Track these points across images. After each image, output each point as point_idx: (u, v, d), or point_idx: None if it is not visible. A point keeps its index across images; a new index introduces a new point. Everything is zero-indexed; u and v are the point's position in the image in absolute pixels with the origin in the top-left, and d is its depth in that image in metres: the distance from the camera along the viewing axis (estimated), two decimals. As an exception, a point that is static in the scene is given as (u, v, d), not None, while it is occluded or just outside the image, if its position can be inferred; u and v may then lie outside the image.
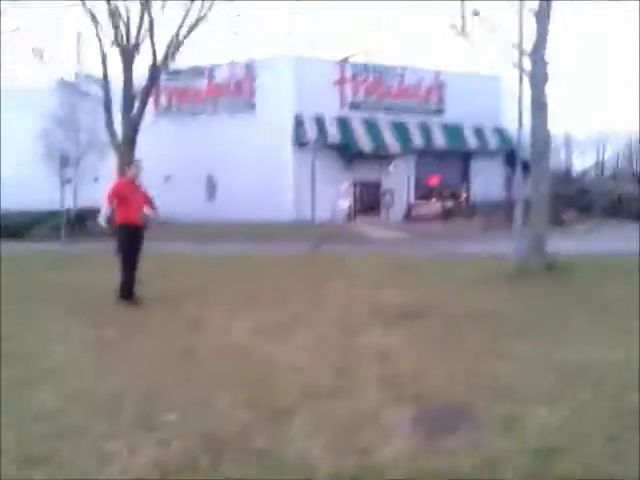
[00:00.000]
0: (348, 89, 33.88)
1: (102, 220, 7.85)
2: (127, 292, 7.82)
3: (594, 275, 10.14)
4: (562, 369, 4.49)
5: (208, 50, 19.78)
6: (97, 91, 21.27)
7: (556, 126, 60.14)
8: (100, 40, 19.84)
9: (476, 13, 11.69)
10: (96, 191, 29.50)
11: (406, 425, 3.51)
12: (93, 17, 19.30)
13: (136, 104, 19.80)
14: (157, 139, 30.46)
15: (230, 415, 3.68)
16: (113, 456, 3.12)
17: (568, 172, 64.18)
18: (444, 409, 3.77)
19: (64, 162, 23.37)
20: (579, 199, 41.05)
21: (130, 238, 7.88)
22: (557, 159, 62.35)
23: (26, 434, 3.40)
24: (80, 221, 26.43)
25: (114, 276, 7.94)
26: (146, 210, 8.23)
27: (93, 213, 28.44)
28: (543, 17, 11.40)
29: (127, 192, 7.92)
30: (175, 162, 32.03)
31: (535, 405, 3.74)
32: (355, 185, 32.87)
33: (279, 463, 3.04)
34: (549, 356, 4.90)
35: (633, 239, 19.22)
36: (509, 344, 5.31)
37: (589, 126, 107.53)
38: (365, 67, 34.30)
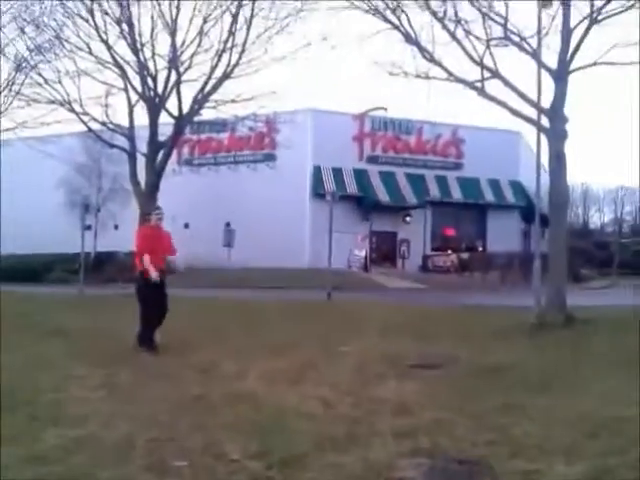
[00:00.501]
0: (367, 143, 34.44)
1: (155, 275, 7.78)
2: (147, 339, 7.77)
3: (613, 330, 9.94)
4: (578, 424, 4.37)
5: (232, 104, 20.11)
6: (122, 141, 21.77)
7: (574, 180, 60.39)
8: (128, 93, 20.44)
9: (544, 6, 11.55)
10: (115, 238, 30.16)
11: (420, 478, 3.42)
12: (123, 71, 19.94)
13: (160, 155, 20.20)
14: (179, 188, 31.05)
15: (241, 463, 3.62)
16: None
17: (586, 226, 63.99)
18: (459, 463, 3.68)
19: (85, 209, 23.86)
20: (597, 254, 40.75)
21: (151, 287, 7.85)
22: (575, 213, 62.41)
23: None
24: (99, 265, 26.78)
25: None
26: (169, 257, 8.35)
27: (110, 257, 28.94)
28: (561, 76, 11.59)
29: (153, 239, 8.01)
30: (195, 211, 32.52)
31: (552, 460, 3.64)
32: (372, 235, 32.99)
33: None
34: (566, 411, 4.78)
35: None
36: (526, 399, 5.19)
37: (607, 181, 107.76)
38: (383, 121, 34.87)
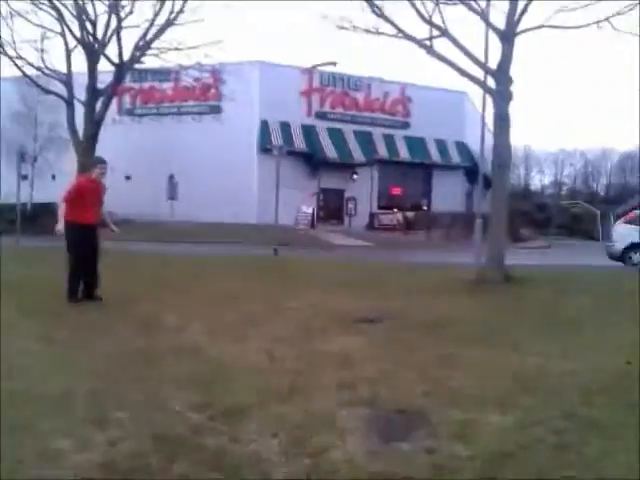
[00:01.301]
0: (315, 98, 34.04)
1: (58, 229, 7.63)
2: (74, 290, 7.69)
3: (549, 287, 10.39)
4: (512, 377, 4.56)
5: (175, 53, 19.44)
6: (59, 88, 20.80)
7: (517, 142, 61.75)
8: (65, 37, 19.44)
9: None
10: (54, 188, 29.07)
11: (361, 428, 3.51)
12: (60, 14, 18.89)
13: (99, 103, 19.43)
14: (119, 139, 30.05)
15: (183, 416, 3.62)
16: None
17: (527, 188, 65.91)
18: (397, 413, 3.78)
19: (21, 158, 22.82)
20: (537, 215, 42.14)
21: (81, 238, 7.68)
22: (517, 175, 64.03)
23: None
24: (36, 217, 25.81)
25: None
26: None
27: (47, 208, 27.95)
28: (508, 37, 11.66)
29: (86, 192, 7.78)
30: (137, 162, 31.63)
31: (486, 411, 3.79)
32: (319, 192, 32.99)
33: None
34: (501, 364, 4.97)
35: (586, 256, 19.82)
36: (464, 352, 5.37)
37: (548, 144, 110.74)
38: (332, 76, 34.47)
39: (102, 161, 8.22)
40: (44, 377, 4.34)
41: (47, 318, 6.59)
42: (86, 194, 7.74)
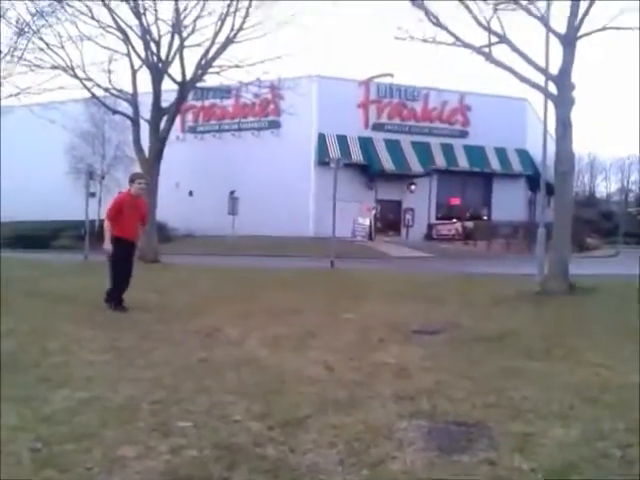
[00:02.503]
0: (372, 110, 34.10)
1: (108, 247, 7.96)
2: (115, 299, 8.06)
3: (615, 299, 10.00)
4: (576, 390, 4.42)
5: (235, 70, 19.91)
6: (125, 108, 21.64)
7: (581, 149, 59.90)
8: (130, 58, 20.23)
9: None
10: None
11: (420, 440, 3.48)
12: (125, 36, 19.71)
13: (163, 121, 20.10)
14: (182, 156, 30.98)
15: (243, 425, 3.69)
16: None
17: (592, 196, 63.69)
18: (457, 425, 3.74)
19: (90, 176, 23.86)
20: (603, 223, 40.66)
21: (122, 252, 7.99)
22: (581, 182, 62.03)
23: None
24: (103, 232, 26.86)
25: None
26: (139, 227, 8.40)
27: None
28: (569, 41, 11.40)
29: (126, 207, 8.05)
30: (199, 178, 32.50)
31: (549, 423, 3.70)
32: (376, 204, 32.92)
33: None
34: (565, 377, 4.83)
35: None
36: (526, 364, 5.25)
37: (614, 150, 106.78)
38: (389, 88, 34.46)
39: (141, 176, 8.55)
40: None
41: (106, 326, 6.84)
42: (125, 209, 8.02)
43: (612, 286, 11.72)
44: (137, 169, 21.00)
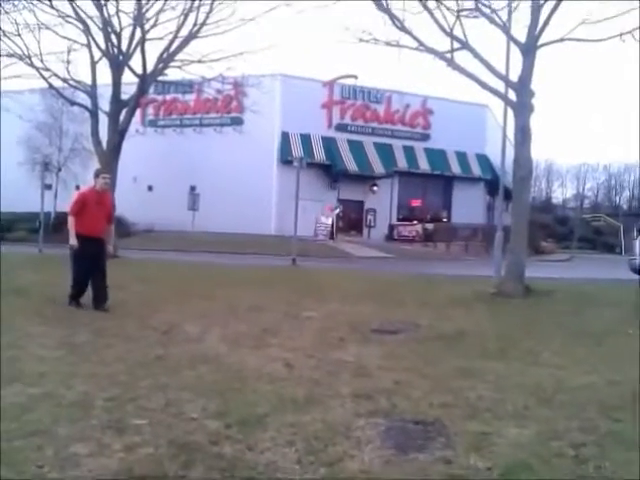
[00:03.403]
0: (336, 111, 34.18)
1: (73, 242, 7.72)
2: (77, 295, 7.89)
3: (569, 301, 10.27)
4: (531, 390, 4.52)
5: (197, 65, 19.66)
6: (84, 99, 21.12)
7: (539, 156, 61.34)
8: (90, 49, 19.74)
9: None
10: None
11: (378, 438, 3.50)
12: (86, 27, 19.23)
13: (123, 114, 19.70)
14: (142, 150, 30.45)
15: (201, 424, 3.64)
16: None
17: (548, 201, 65.33)
18: (415, 423, 3.77)
19: (45, 167, 23.24)
20: (558, 228, 41.73)
21: (85, 250, 7.72)
22: (538, 188, 63.52)
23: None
24: (60, 226, 26.16)
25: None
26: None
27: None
28: (529, 49, 11.64)
29: (91, 203, 7.84)
30: (159, 173, 32.02)
31: (504, 423, 3.77)
32: (339, 203, 33.02)
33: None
34: (519, 377, 4.93)
35: (608, 269, 19.55)
36: (482, 364, 5.34)
37: (571, 157, 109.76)
38: (353, 89, 34.61)
39: (105, 172, 8.34)
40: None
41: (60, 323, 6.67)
42: (89, 205, 7.81)
43: (565, 289, 12.03)
44: (95, 162, 20.57)
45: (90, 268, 7.84)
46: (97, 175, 8.13)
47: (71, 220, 7.78)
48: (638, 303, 9.40)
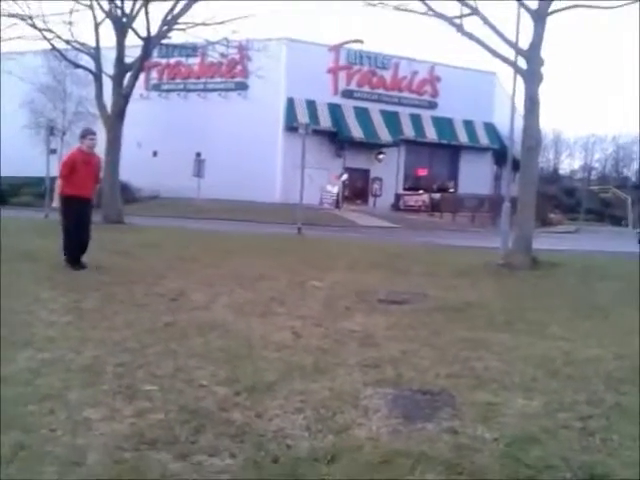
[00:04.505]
0: (342, 76, 33.73)
1: (55, 203, 7.95)
2: (72, 258, 7.96)
3: (576, 273, 10.26)
4: (538, 362, 4.53)
5: (202, 28, 19.36)
6: (88, 62, 20.86)
7: (547, 125, 60.69)
8: (93, 10, 19.44)
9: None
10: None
11: (385, 407, 3.53)
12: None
13: (127, 77, 19.48)
14: (146, 114, 30.22)
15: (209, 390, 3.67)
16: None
17: (556, 172, 64.85)
18: (422, 393, 3.79)
19: (50, 131, 23.10)
20: (566, 200, 41.52)
21: (76, 210, 7.87)
22: (546, 159, 62.98)
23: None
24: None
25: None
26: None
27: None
28: (541, 16, 11.40)
29: (79, 164, 7.91)
30: (164, 138, 31.81)
31: (511, 394, 3.79)
32: (345, 172, 32.85)
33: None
34: (526, 349, 4.95)
35: (616, 241, 19.49)
36: (489, 335, 5.35)
37: (579, 128, 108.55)
38: (359, 55, 34.08)
39: (92, 132, 8.29)
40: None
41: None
42: (78, 167, 7.89)
43: (573, 261, 12.02)
44: (100, 126, 20.42)
45: (82, 226, 8.00)
46: (84, 136, 8.16)
47: (59, 182, 7.89)
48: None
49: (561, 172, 67.81)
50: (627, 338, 5.43)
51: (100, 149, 19.89)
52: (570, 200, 42.23)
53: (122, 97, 19.34)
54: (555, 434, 3.20)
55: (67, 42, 20.18)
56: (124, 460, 2.74)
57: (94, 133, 8.24)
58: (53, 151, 24.08)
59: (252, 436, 3.05)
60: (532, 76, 11.56)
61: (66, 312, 5.56)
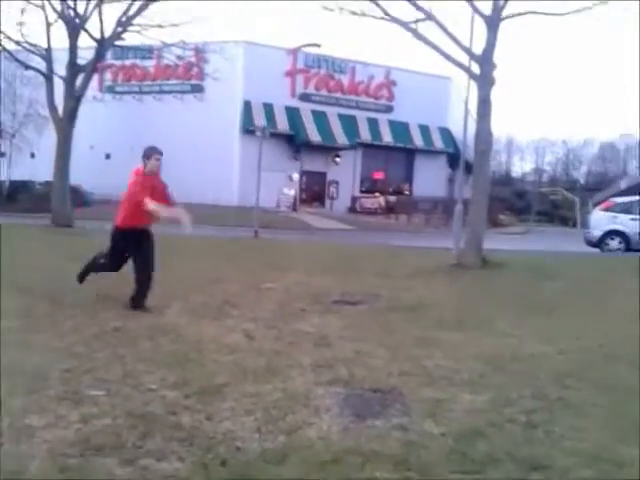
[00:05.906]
0: (299, 80, 33.77)
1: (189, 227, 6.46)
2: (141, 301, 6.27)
3: (524, 272, 10.53)
4: (487, 359, 4.64)
5: (157, 30, 19.11)
6: (39, 63, 20.34)
7: (500, 130, 62.13)
8: (45, 11, 18.98)
9: None
10: (32, 167, 28.47)
11: (337, 406, 3.55)
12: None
13: (79, 79, 19.06)
14: (99, 116, 29.65)
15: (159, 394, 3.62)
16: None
17: (508, 175, 66.41)
18: (373, 391, 3.83)
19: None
20: (517, 202, 42.54)
21: (127, 245, 6.56)
22: (498, 162, 64.39)
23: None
24: (14, 195, 25.40)
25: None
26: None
27: (26, 187, 27.48)
28: (494, 22, 11.67)
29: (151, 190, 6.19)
30: (118, 140, 31.23)
31: (459, 390, 3.87)
32: (301, 175, 32.87)
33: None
34: (476, 346, 5.05)
35: (564, 242, 20.08)
36: (440, 333, 5.44)
37: (531, 132, 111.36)
38: (317, 59, 34.19)
39: (157, 150, 6.27)
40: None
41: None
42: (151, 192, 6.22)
43: (521, 261, 12.31)
44: (50, 129, 19.94)
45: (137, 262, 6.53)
46: (149, 156, 6.21)
47: (154, 204, 6.16)
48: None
49: (513, 175, 69.49)
50: (571, 334, 5.60)
51: (50, 152, 19.44)
52: (521, 202, 43.28)
53: (74, 99, 18.92)
54: (501, 428, 3.28)
55: (17, 43, 19.64)
56: (69, 467, 2.68)
57: (160, 152, 6.31)
58: (2, 154, 23.42)
59: (201, 439, 3.03)
60: (484, 80, 11.83)
61: (16, 317, 5.41)
